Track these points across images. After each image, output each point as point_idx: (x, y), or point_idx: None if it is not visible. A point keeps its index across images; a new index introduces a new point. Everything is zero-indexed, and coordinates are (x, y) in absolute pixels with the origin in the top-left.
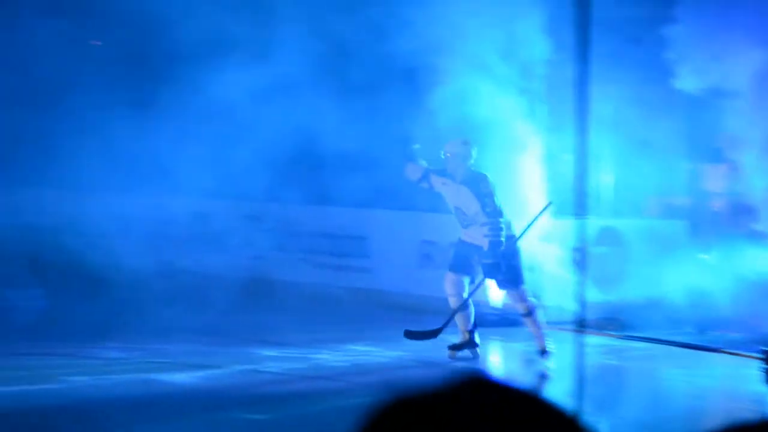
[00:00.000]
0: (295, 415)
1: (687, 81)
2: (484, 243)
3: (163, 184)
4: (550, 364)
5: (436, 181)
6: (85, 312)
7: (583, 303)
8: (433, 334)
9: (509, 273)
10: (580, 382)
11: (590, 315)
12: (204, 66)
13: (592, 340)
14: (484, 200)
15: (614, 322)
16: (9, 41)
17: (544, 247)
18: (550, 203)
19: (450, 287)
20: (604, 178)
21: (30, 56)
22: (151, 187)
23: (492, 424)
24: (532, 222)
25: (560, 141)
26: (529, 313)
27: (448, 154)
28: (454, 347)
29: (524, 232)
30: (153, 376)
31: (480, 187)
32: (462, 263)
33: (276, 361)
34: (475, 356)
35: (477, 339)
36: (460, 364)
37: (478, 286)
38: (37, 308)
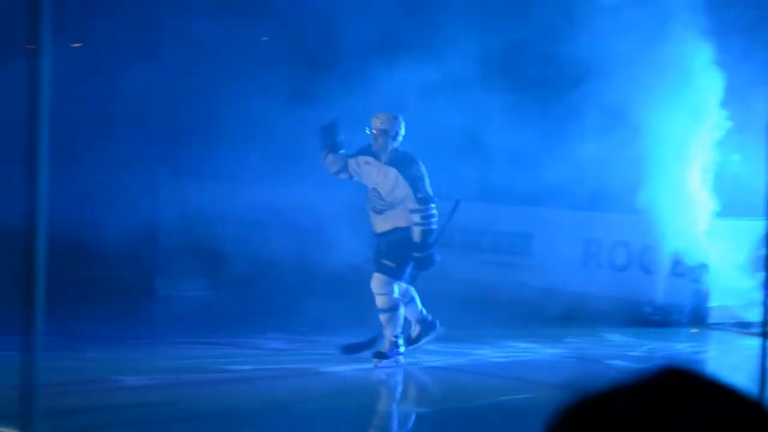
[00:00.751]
0: (456, 409)
1: None
2: (415, 232)
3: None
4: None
5: (354, 163)
6: (248, 302)
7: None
8: (369, 344)
9: (395, 261)
10: (762, 385)
11: (755, 317)
12: (373, 62)
13: (754, 342)
14: (416, 184)
15: None
16: (177, 37)
17: (712, 247)
18: (458, 202)
19: (379, 286)
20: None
21: (197, 51)
22: (314, 180)
23: (697, 417)
24: (444, 223)
25: (727, 141)
26: (391, 309)
27: (375, 131)
28: (379, 355)
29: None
30: (315, 366)
31: (411, 170)
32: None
33: (437, 355)
34: (398, 364)
35: (402, 346)
36: (619, 362)
37: (411, 283)
38: (200, 298)
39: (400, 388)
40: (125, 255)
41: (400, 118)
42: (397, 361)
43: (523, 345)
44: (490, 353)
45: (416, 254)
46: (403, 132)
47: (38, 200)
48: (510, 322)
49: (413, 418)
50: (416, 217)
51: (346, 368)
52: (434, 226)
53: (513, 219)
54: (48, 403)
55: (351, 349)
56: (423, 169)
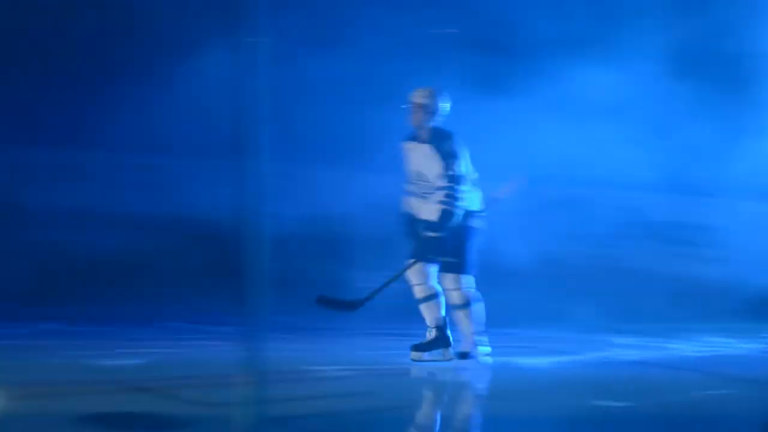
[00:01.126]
0: (654, 404)
1: None
2: (434, 211)
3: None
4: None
5: (408, 160)
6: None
7: None
8: (349, 306)
9: (455, 255)
10: None
11: None
12: (556, 58)
13: None
14: (447, 161)
15: None
16: (368, 29)
17: None
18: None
19: (415, 276)
20: None
21: (387, 44)
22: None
23: None
24: (497, 198)
25: None
26: (465, 305)
27: (412, 104)
28: (419, 348)
29: (486, 207)
30: (507, 359)
31: (444, 145)
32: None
33: (631, 349)
34: (447, 358)
35: (449, 336)
36: None
37: (405, 268)
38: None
39: (596, 382)
40: (317, 247)
41: (445, 95)
42: (481, 361)
43: (720, 339)
44: (687, 347)
45: (425, 232)
46: (444, 110)
47: (256, 194)
48: (701, 316)
49: (608, 412)
50: (440, 195)
51: (543, 361)
52: (458, 210)
53: (701, 211)
54: (249, 392)
55: (324, 301)
56: (459, 146)
